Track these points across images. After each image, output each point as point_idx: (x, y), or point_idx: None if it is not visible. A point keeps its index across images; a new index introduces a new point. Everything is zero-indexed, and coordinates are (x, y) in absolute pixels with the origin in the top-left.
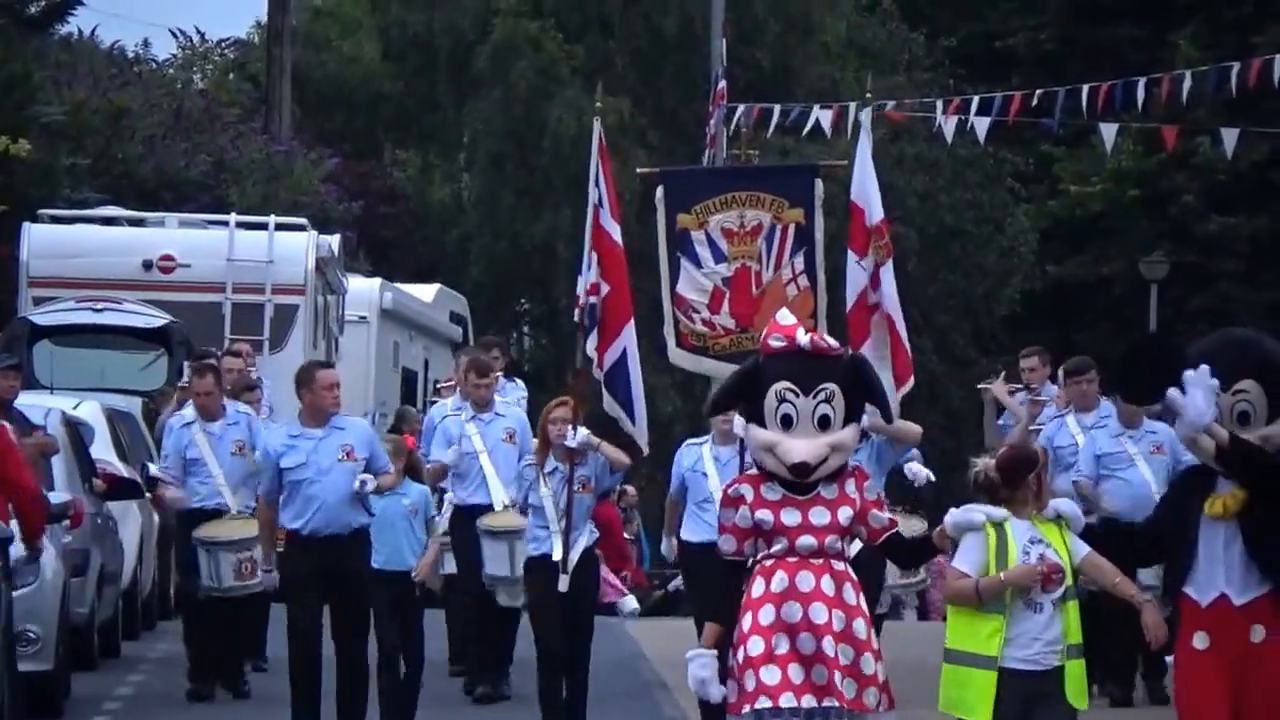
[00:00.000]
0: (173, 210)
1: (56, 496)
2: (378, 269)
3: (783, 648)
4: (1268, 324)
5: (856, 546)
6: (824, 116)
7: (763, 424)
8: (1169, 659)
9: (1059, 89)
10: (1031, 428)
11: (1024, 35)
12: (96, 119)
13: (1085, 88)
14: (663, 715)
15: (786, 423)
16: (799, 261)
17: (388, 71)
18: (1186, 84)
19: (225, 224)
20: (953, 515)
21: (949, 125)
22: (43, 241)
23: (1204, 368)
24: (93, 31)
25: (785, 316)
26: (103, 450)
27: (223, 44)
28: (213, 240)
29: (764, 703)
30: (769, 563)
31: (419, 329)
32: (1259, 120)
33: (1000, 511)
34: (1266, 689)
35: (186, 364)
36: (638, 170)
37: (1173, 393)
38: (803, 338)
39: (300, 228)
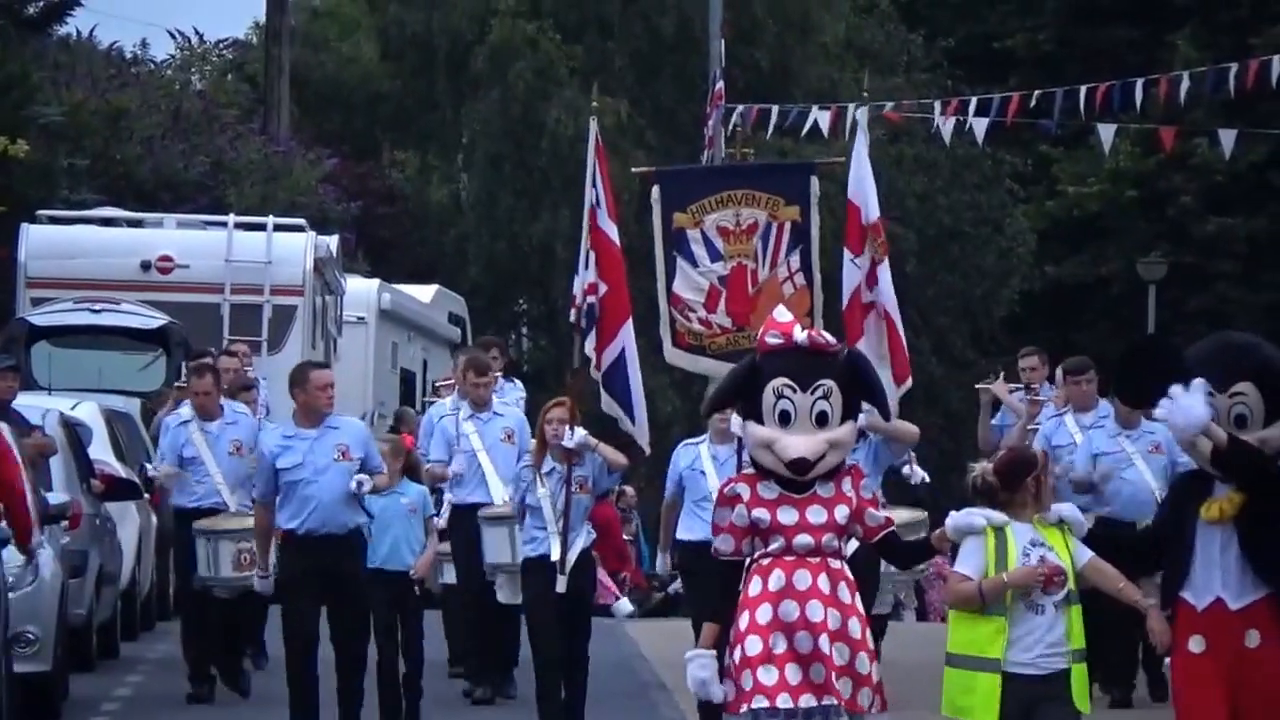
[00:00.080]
0: (171, 211)
1: (55, 497)
2: (376, 269)
3: (780, 647)
4: (1266, 325)
5: (853, 546)
6: (822, 118)
7: (760, 421)
8: (1166, 664)
9: (1057, 90)
10: (1030, 427)
11: (1022, 36)
12: (95, 120)
13: (1083, 89)
14: (661, 716)
15: (784, 419)
16: (795, 260)
17: (386, 72)
18: (1184, 85)
19: (223, 225)
20: (953, 519)
21: (947, 126)
22: (41, 242)
23: (1177, 386)
24: (91, 32)
25: (782, 313)
26: (101, 451)
27: (221, 44)
28: (211, 241)
29: (760, 702)
30: (765, 561)
31: (417, 330)
32: (1257, 121)
33: (999, 515)
34: (1262, 693)
35: (184, 364)
36: (633, 169)
37: (1160, 411)
38: (800, 334)
39: (298, 228)
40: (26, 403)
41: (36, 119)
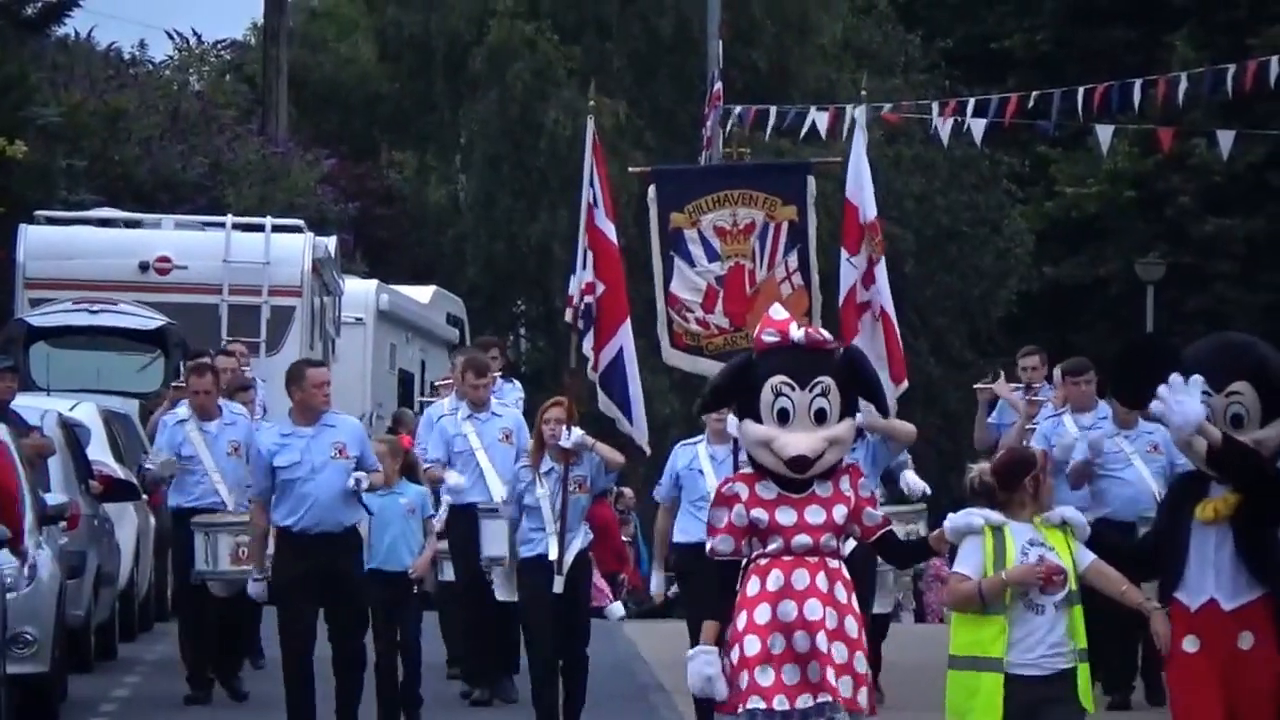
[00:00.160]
0: (169, 212)
1: (53, 498)
2: (374, 270)
3: (779, 647)
4: (1264, 325)
5: (851, 545)
6: (820, 118)
7: (758, 420)
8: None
9: (1055, 91)
10: (1028, 427)
11: (1020, 37)
12: (93, 121)
13: (1081, 89)
14: (660, 718)
15: (783, 417)
16: (793, 260)
17: (384, 73)
18: (1182, 86)
19: (222, 225)
20: (951, 520)
21: (945, 127)
22: (39, 243)
23: (1176, 377)
24: (89, 33)
25: (778, 311)
26: (99, 452)
27: (219, 45)
28: (209, 242)
29: (757, 703)
30: (763, 561)
31: (416, 330)
32: (1255, 122)
33: (997, 515)
34: (1254, 694)
35: (182, 365)
36: (630, 169)
37: (1156, 407)
38: (796, 332)
39: (297, 229)
40: (25, 403)
41: (34, 120)
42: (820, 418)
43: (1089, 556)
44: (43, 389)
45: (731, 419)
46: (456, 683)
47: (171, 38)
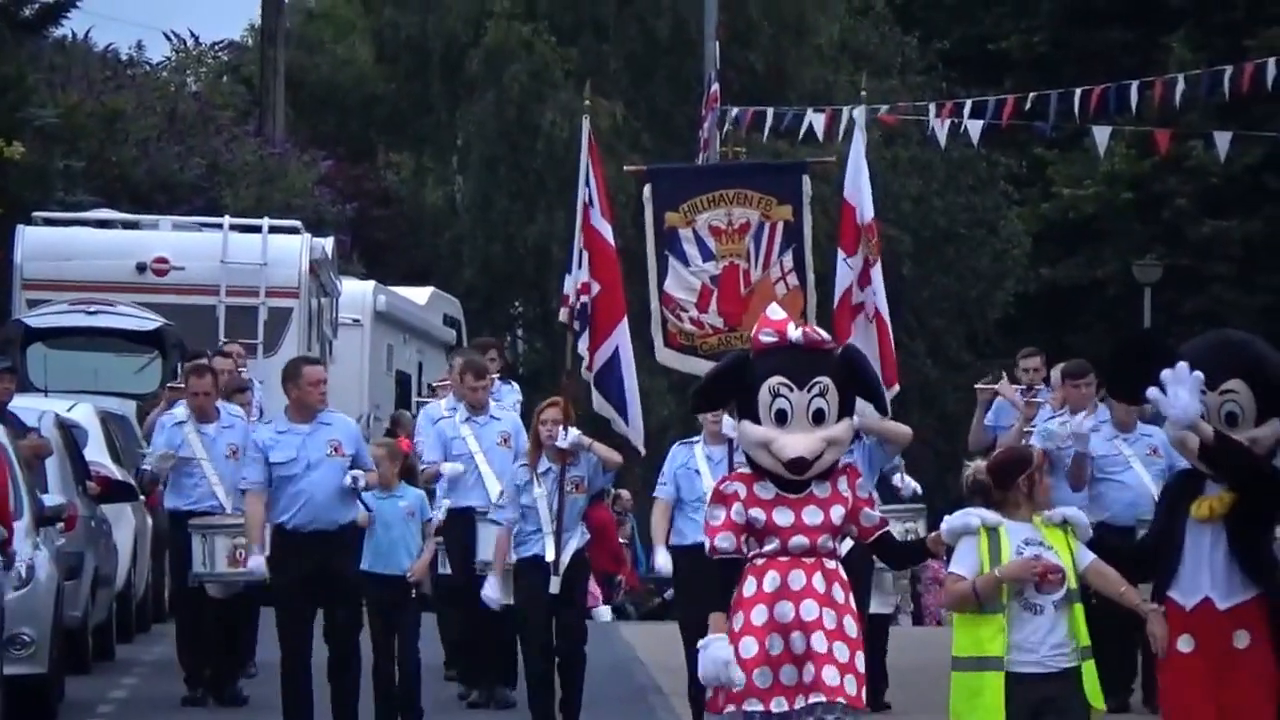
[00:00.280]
0: (166, 213)
1: (50, 499)
2: (371, 272)
3: (776, 648)
4: (1261, 327)
5: (848, 545)
6: (817, 120)
7: (756, 420)
8: None
9: (1052, 92)
10: (1026, 429)
11: (1017, 38)
12: (90, 122)
13: (1078, 91)
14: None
15: (781, 418)
16: (788, 260)
17: (381, 74)
18: (1179, 87)
19: (219, 226)
20: (947, 521)
21: (942, 128)
22: (36, 244)
23: (1182, 365)
24: (86, 34)
25: (775, 311)
26: (96, 453)
27: (216, 47)
28: (206, 243)
29: (754, 705)
30: (760, 562)
31: (413, 332)
32: (1251, 123)
33: (993, 515)
34: (1248, 693)
35: (180, 366)
36: (625, 168)
37: (1153, 392)
38: (794, 332)
39: (294, 230)
40: (22, 404)
41: (32, 121)
42: (818, 418)
43: (1089, 556)
44: (40, 390)
45: (727, 419)
46: (454, 684)
47: (169, 39)
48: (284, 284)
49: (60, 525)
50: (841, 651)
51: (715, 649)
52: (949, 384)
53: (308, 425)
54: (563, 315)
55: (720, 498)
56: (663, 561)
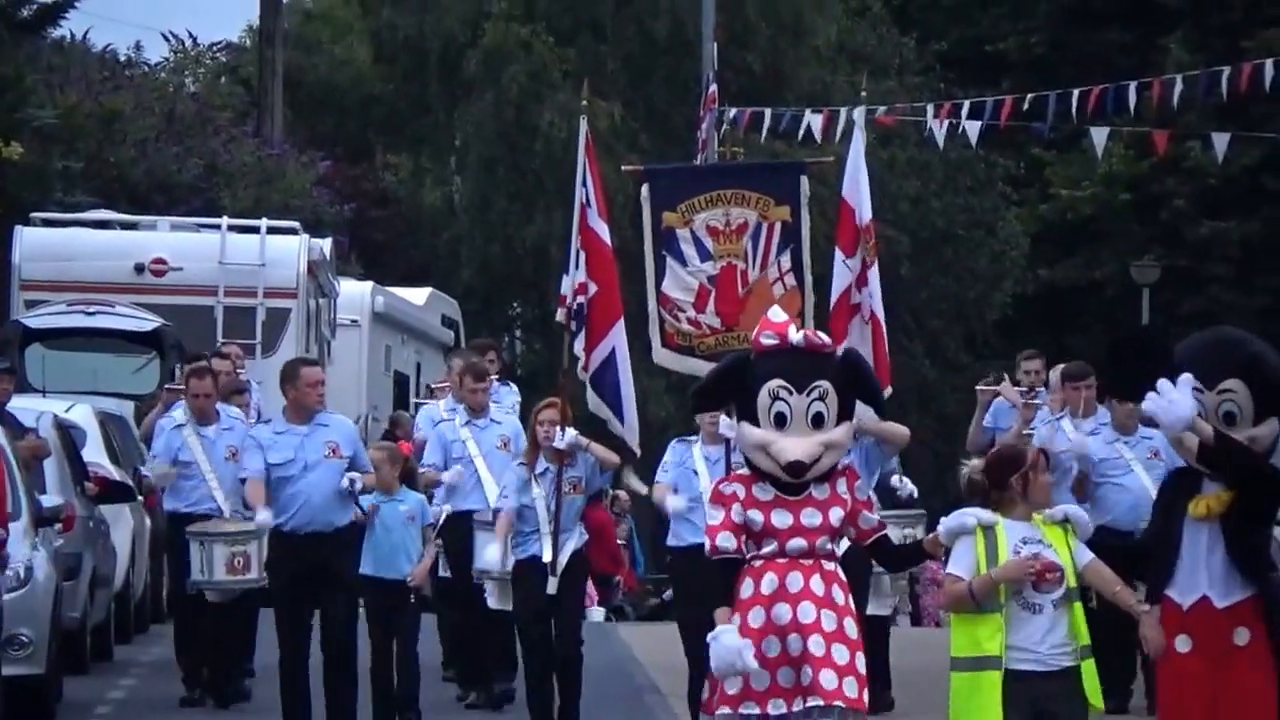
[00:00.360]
0: (164, 214)
1: (49, 500)
2: (369, 272)
3: (773, 650)
4: (1259, 328)
5: (844, 546)
6: (815, 121)
7: (755, 423)
8: None
9: (1050, 93)
10: (1025, 431)
11: (1015, 39)
12: (88, 122)
13: (1076, 92)
14: None
15: (780, 421)
16: (785, 260)
17: (379, 75)
18: (1177, 88)
19: (217, 227)
20: (944, 522)
21: (940, 129)
22: (35, 245)
23: (1164, 383)
24: (85, 35)
25: (777, 314)
26: (95, 453)
27: (214, 47)
28: (204, 244)
29: (751, 708)
30: (758, 564)
31: (411, 332)
32: (1249, 124)
33: (990, 514)
34: (1244, 692)
35: (178, 367)
36: (623, 168)
37: (1148, 406)
38: (795, 335)
39: (292, 231)
40: (21, 405)
41: (30, 121)
42: (817, 422)
43: (1087, 555)
44: (38, 391)
45: (724, 420)
46: (452, 685)
47: (167, 40)
48: (282, 285)
49: (58, 526)
50: (841, 654)
51: (727, 638)
52: (947, 385)
53: (305, 426)
54: (560, 315)
55: (720, 498)
56: (675, 503)
